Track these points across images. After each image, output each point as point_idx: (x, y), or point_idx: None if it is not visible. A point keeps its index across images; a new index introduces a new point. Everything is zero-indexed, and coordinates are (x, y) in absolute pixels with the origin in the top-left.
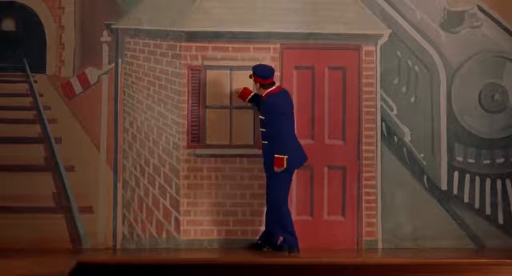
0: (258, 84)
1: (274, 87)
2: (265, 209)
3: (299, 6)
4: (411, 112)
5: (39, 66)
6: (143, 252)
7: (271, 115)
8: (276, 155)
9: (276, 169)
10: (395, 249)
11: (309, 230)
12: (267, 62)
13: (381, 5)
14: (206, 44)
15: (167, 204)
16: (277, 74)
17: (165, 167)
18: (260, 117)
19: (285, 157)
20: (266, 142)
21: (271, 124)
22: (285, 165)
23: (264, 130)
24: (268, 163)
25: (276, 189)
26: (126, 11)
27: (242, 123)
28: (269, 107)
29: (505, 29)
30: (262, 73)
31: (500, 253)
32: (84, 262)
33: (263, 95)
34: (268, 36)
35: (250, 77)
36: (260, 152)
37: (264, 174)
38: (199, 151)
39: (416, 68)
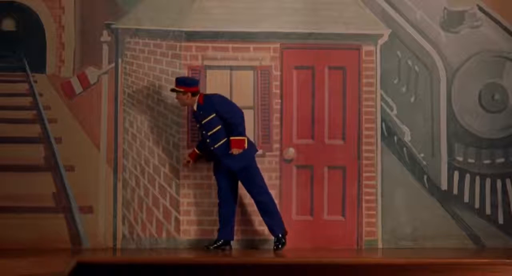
0: (188, 94)
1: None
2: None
3: (299, 6)
4: (411, 112)
5: (39, 66)
6: (143, 252)
7: (229, 106)
8: (236, 137)
9: (235, 151)
10: (395, 249)
11: (309, 230)
12: (267, 62)
13: (381, 5)
14: (206, 44)
15: (167, 204)
16: (277, 74)
17: (165, 167)
18: (209, 119)
19: (245, 138)
20: (224, 140)
21: (232, 114)
22: (245, 146)
23: (219, 127)
24: (226, 160)
25: (260, 183)
26: (126, 11)
27: None
28: (221, 100)
29: (505, 29)
30: (192, 82)
31: (500, 253)
32: (84, 262)
33: (199, 99)
34: (268, 36)
35: (173, 90)
36: (259, 152)
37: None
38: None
39: (416, 68)
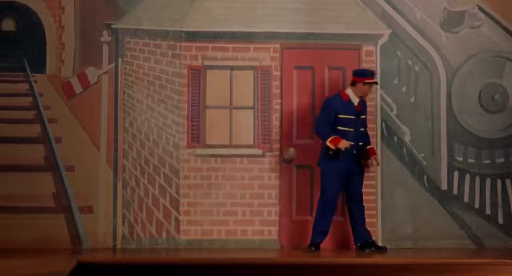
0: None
1: None
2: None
3: (299, 6)
4: (411, 112)
5: (39, 66)
6: (143, 252)
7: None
8: (372, 146)
9: (377, 158)
10: (395, 249)
11: (309, 230)
12: (267, 62)
13: (381, 5)
14: (206, 44)
15: (167, 204)
16: (277, 74)
17: (165, 167)
18: (363, 117)
19: None
20: (362, 143)
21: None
22: None
23: (363, 129)
24: (360, 161)
25: (362, 186)
26: (126, 11)
27: (242, 123)
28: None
29: (505, 29)
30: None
31: (500, 253)
32: (84, 262)
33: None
34: (268, 36)
35: (376, 83)
36: (259, 152)
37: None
38: (199, 151)
39: (416, 68)
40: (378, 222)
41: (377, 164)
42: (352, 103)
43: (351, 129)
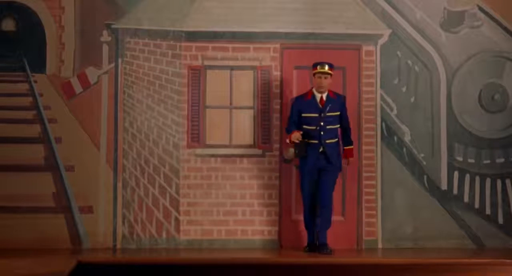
0: (330, 79)
1: None
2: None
3: (299, 6)
4: (411, 112)
5: (39, 66)
6: (143, 252)
7: (346, 110)
8: (351, 147)
9: (350, 160)
10: (395, 249)
11: None
12: (267, 62)
13: (381, 5)
14: (206, 44)
15: (167, 204)
16: (277, 74)
17: (165, 167)
18: (333, 114)
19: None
20: (335, 140)
21: (346, 118)
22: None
23: (338, 126)
24: (333, 159)
25: (331, 188)
26: (126, 11)
27: (242, 123)
28: (345, 104)
29: (505, 29)
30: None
31: (500, 253)
32: (84, 262)
33: (329, 91)
34: (268, 36)
35: (327, 73)
36: (259, 152)
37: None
38: (199, 151)
39: (416, 68)
40: (378, 222)
41: (347, 164)
42: (316, 101)
43: (315, 127)
